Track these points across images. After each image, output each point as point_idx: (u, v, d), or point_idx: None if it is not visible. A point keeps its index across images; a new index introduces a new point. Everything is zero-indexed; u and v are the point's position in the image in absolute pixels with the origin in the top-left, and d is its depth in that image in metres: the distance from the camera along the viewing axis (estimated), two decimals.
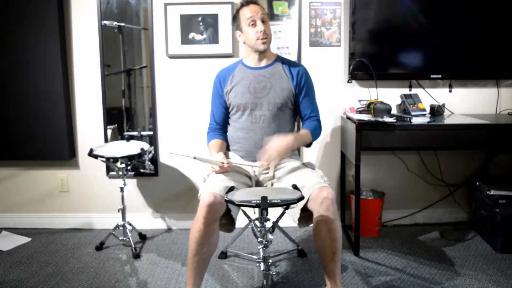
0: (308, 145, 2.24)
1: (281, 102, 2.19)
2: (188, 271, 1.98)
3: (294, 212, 2.01)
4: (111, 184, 3.01)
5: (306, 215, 2.03)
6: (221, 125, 2.32)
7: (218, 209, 1.92)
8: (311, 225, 2.01)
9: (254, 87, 2.20)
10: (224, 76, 2.29)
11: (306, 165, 2.20)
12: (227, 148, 2.31)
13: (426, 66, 2.90)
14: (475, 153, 3.04)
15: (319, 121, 2.28)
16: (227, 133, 2.32)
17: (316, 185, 1.95)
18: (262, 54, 2.21)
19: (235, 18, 2.22)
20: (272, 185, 2.18)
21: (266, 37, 2.15)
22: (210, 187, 1.96)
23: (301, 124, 2.33)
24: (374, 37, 2.87)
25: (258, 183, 2.22)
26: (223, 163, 2.02)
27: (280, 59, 2.27)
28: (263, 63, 2.24)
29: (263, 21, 2.14)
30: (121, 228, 2.72)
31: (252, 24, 2.13)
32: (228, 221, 2.08)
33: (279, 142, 2.03)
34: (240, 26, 2.19)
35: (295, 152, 2.31)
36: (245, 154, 2.22)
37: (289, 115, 2.25)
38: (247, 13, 2.14)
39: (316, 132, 2.24)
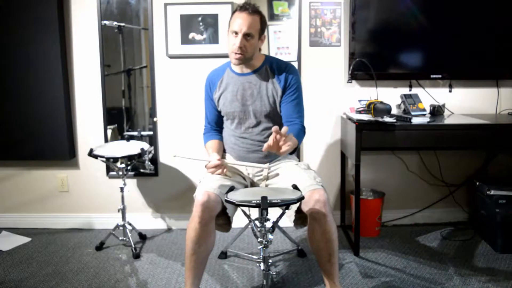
0: (292, 151, 2.07)
1: (267, 111, 2.13)
2: (186, 271, 1.98)
3: (290, 213, 2.01)
4: (111, 184, 3.01)
5: (301, 217, 2.03)
6: (215, 127, 2.31)
7: (213, 208, 1.92)
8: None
9: (242, 94, 2.15)
10: (214, 81, 2.24)
11: (299, 165, 2.17)
12: (223, 150, 2.31)
13: (426, 66, 2.90)
14: (475, 153, 3.04)
15: (303, 126, 2.14)
16: (223, 136, 2.31)
17: (308, 188, 1.93)
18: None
19: (231, 17, 2.11)
20: (266, 185, 2.18)
21: (241, 53, 2.02)
22: (204, 186, 1.97)
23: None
24: (374, 37, 2.87)
25: (253, 184, 2.22)
26: (218, 161, 2.02)
27: (268, 62, 2.17)
28: (250, 68, 2.15)
29: (247, 35, 2.01)
30: (121, 228, 2.72)
31: (234, 34, 2.03)
32: (225, 221, 2.08)
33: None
34: (228, 28, 2.10)
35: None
36: (238, 160, 2.21)
37: (280, 119, 2.18)
38: (235, 22, 2.03)
39: (300, 138, 2.09)
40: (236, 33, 2.02)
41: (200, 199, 1.90)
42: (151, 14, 2.86)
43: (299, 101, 2.15)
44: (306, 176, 2.03)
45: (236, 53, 2.03)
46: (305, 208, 1.93)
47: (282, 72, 2.14)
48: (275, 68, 2.15)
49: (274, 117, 2.17)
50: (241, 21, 2.01)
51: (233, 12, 2.09)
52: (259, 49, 2.16)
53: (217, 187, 1.96)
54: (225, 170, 2.06)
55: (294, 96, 2.13)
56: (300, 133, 2.09)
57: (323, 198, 1.89)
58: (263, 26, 2.10)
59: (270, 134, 2.11)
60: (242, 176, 2.21)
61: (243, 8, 2.04)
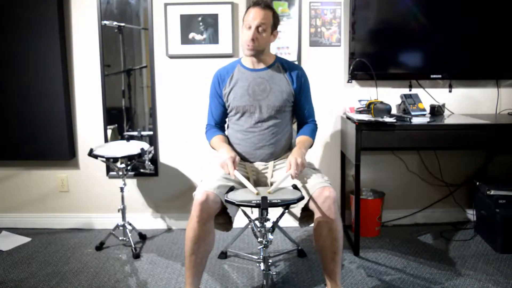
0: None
1: (280, 105, 2.18)
2: (186, 271, 1.99)
3: (295, 211, 2.01)
4: (111, 184, 3.01)
5: (307, 215, 2.03)
6: (219, 124, 2.32)
7: (212, 208, 1.92)
8: (312, 224, 2.01)
9: (253, 89, 2.18)
10: (223, 76, 2.26)
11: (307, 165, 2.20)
12: None
13: (426, 66, 2.90)
14: (475, 153, 3.04)
15: (315, 123, 2.32)
16: (227, 135, 2.32)
17: (318, 185, 1.96)
18: (258, 56, 2.18)
19: (245, 13, 2.18)
20: (271, 184, 2.18)
21: (253, 45, 2.09)
22: (204, 186, 1.97)
23: (296, 125, 2.34)
24: (374, 37, 2.87)
25: (258, 183, 2.22)
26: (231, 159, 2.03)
27: (279, 61, 2.25)
28: (262, 64, 2.21)
29: (260, 29, 2.09)
30: (121, 228, 2.72)
31: (248, 28, 2.11)
32: (225, 220, 2.08)
33: (297, 154, 2.01)
34: (242, 24, 2.17)
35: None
36: (244, 156, 2.22)
37: (288, 116, 2.25)
38: (248, 16, 2.11)
39: (314, 135, 2.28)
40: (250, 26, 2.10)
41: (199, 199, 1.90)
42: (151, 14, 2.86)
43: (310, 100, 2.30)
44: (314, 175, 2.06)
45: (248, 45, 2.11)
46: (314, 205, 1.94)
47: (295, 73, 2.22)
48: (286, 67, 2.23)
49: (283, 113, 2.21)
50: (254, 14, 2.09)
51: (247, 9, 2.16)
52: (269, 46, 2.23)
53: (217, 187, 1.96)
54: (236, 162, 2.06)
55: (309, 98, 2.29)
56: (314, 130, 2.29)
57: (333, 195, 1.91)
58: (275, 22, 2.17)
59: (278, 130, 2.19)
60: (246, 176, 2.20)
61: (256, 3, 2.13)
